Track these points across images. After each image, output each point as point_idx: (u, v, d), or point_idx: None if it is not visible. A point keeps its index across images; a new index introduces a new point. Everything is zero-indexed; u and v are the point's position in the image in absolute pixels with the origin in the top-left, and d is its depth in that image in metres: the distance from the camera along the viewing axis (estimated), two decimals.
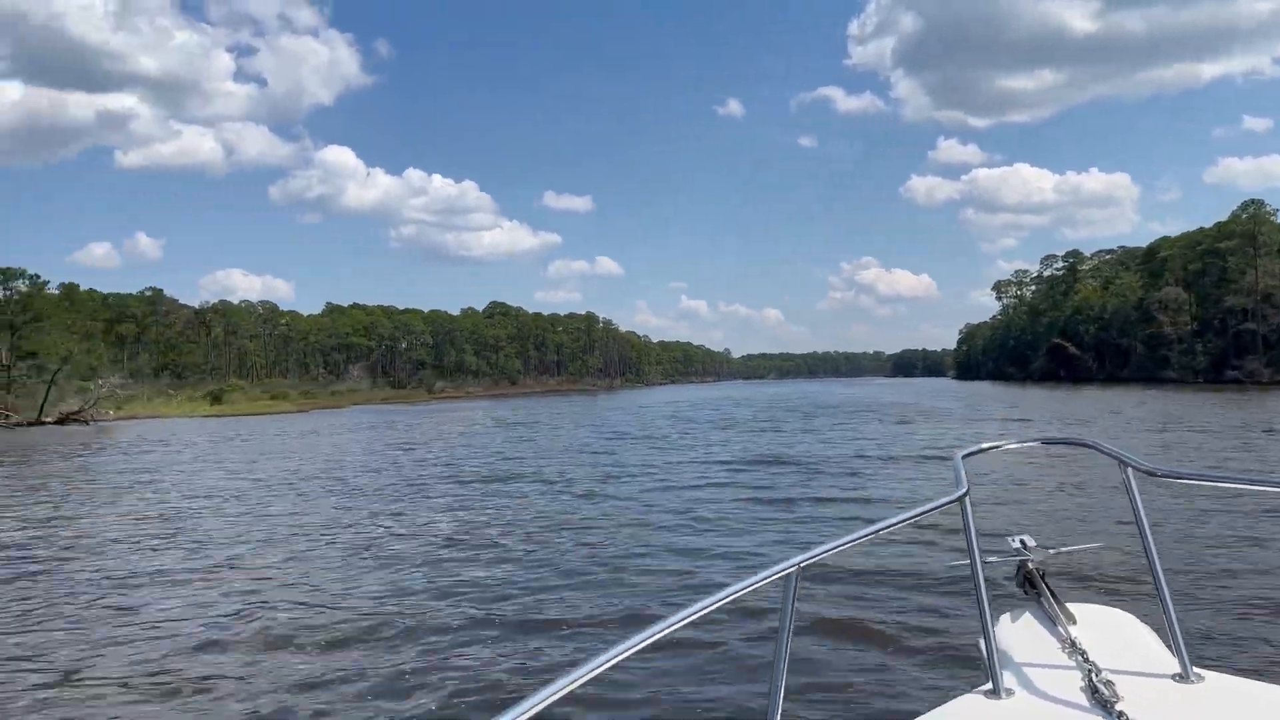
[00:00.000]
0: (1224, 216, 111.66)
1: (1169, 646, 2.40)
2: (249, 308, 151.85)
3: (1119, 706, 2.06)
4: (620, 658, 1.62)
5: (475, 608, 9.18)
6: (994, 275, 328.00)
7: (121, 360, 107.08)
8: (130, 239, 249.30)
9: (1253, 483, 2.85)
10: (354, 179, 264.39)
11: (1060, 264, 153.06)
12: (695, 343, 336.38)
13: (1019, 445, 3.26)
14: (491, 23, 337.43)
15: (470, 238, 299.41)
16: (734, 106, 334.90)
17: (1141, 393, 70.40)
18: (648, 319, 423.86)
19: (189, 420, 67.49)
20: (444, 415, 65.48)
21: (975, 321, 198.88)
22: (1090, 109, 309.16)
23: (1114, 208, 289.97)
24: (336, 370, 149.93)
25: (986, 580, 2.39)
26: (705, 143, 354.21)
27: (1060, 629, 2.60)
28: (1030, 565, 2.96)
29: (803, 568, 2.02)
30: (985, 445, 3.21)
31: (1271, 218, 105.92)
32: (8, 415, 61.21)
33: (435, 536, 13.59)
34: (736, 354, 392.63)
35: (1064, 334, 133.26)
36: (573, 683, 1.52)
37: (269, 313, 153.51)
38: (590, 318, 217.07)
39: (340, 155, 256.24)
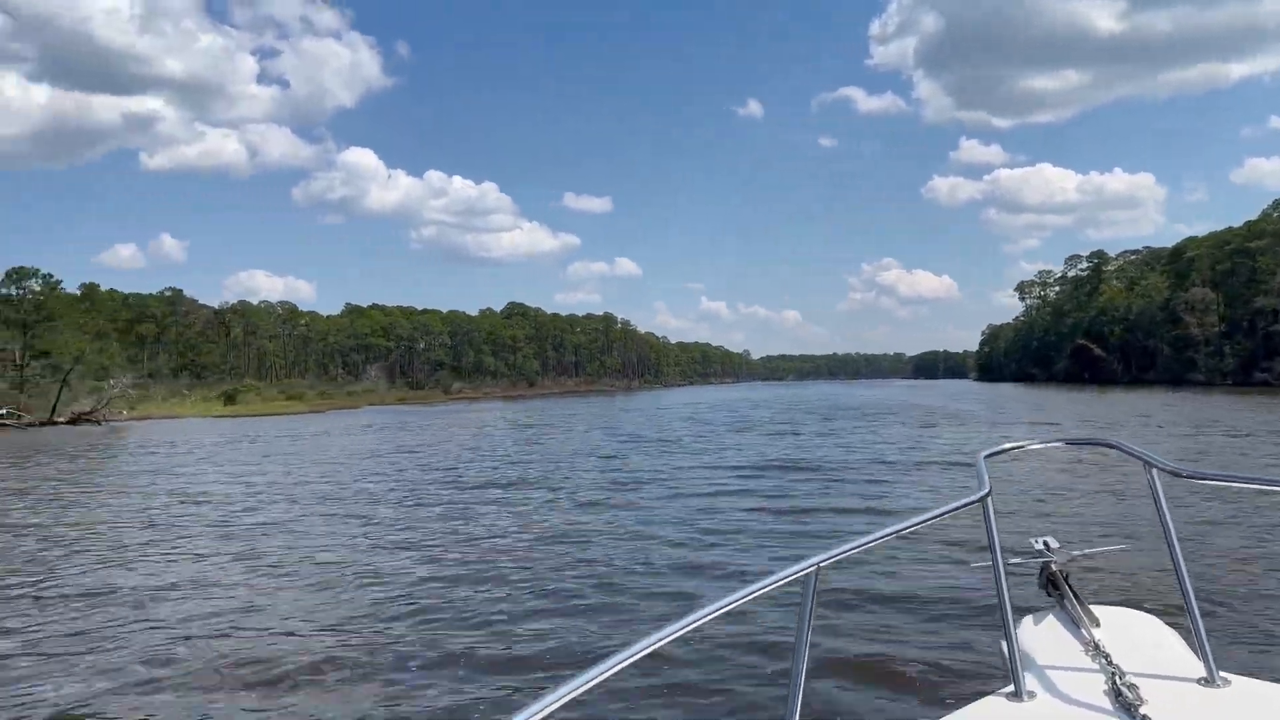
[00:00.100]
0: (1253, 216, 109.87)
1: (1194, 650, 2.39)
2: (268, 308, 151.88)
3: (1143, 710, 2.06)
4: (640, 654, 1.61)
5: (442, 636, 8.18)
6: (1016, 276, 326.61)
7: (141, 360, 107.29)
8: (155, 240, 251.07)
9: (1277, 483, 2.71)
10: (375, 180, 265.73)
11: (1085, 264, 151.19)
12: (714, 344, 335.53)
13: (1042, 446, 3.25)
14: (511, 25, 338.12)
15: (490, 239, 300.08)
16: (754, 107, 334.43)
17: (1169, 395, 68.87)
18: (667, 320, 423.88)
19: (201, 421, 67.00)
20: (457, 417, 64.65)
21: (997, 323, 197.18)
22: (1114, 109, 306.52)
23: (1138, 208, 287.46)
24: (355, 371, 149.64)
25: (1009, 582, 2.38)
26: (725, 143, 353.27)
27: (1083, 631, 2.57)
28: (1053, 567, 2.94)
29: (822, 567, 2.03)
30: (1008, 445, 3.15)
31: None
32: (20, 415, 60.82)
33: (418, 550, 12.59)
34: (756, 355, 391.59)
35: (1088, 335, 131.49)
36: (591, 680, 1.51)
37: (288, 313, 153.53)
38: (608, 318, 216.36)
39: (362, 157, 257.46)
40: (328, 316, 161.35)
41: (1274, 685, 2.24)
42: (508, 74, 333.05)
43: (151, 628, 8.84)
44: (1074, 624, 2.66)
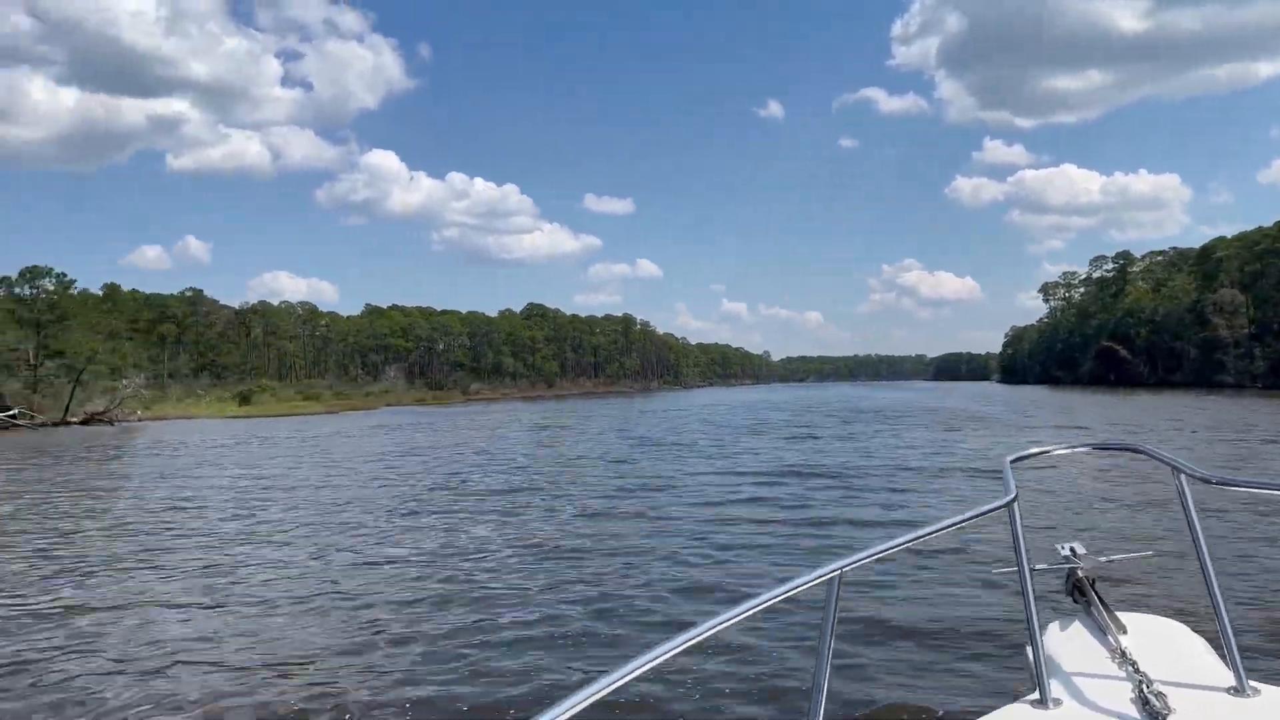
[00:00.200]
0: None
1: (1223, 659, 2.36)
2: (288, 309, 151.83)
3: (1171, 719, 2.06)
4: (662, 658, 1.61)
5: (393, 675, 7.23)
6: (1040, 278, 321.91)
7: (161, 360, 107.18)
8: (180, 242, 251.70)
9: None
10: (397, 182, 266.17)
11: (1110, 265, 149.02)
12: (734, 345, 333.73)
13: (1069, 450, 3.19)
14: (533, 27, 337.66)
15: (511, 240, 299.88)
16: (775, 108, 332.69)
17: (1199, 398, 67.18)
18: (688, 321, 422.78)
19: (215, 421, 66.42)
20: (472, 418, 63.83)
21: (1020, 325, 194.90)
22: (1139, 109, 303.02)
23: (1163, 210, 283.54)
24: (374, 372, 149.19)
25: (1035, 588, 2.37)
26: (746, 145, 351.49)
27: (1110, 638, 2.56)
28: (1080, 573, 2.93)
29: (846, 571, 2.02)
30: (1034, 450, 3.12)
31: None
32: (32, 415, 60.42)
33: (395, 566, 11.64)
34: (776, 356, 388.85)
35: (1114, 337, 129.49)
36: (612, 684, 1.51)
37: (308, 314, 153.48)
38: (628, 319, 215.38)
39: (384, 159, 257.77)
40: (347, 317, 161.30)
41: None
42: (529, 76, 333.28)
43: (89, 654, 7.95)
44: (1100, 631, 2.63)
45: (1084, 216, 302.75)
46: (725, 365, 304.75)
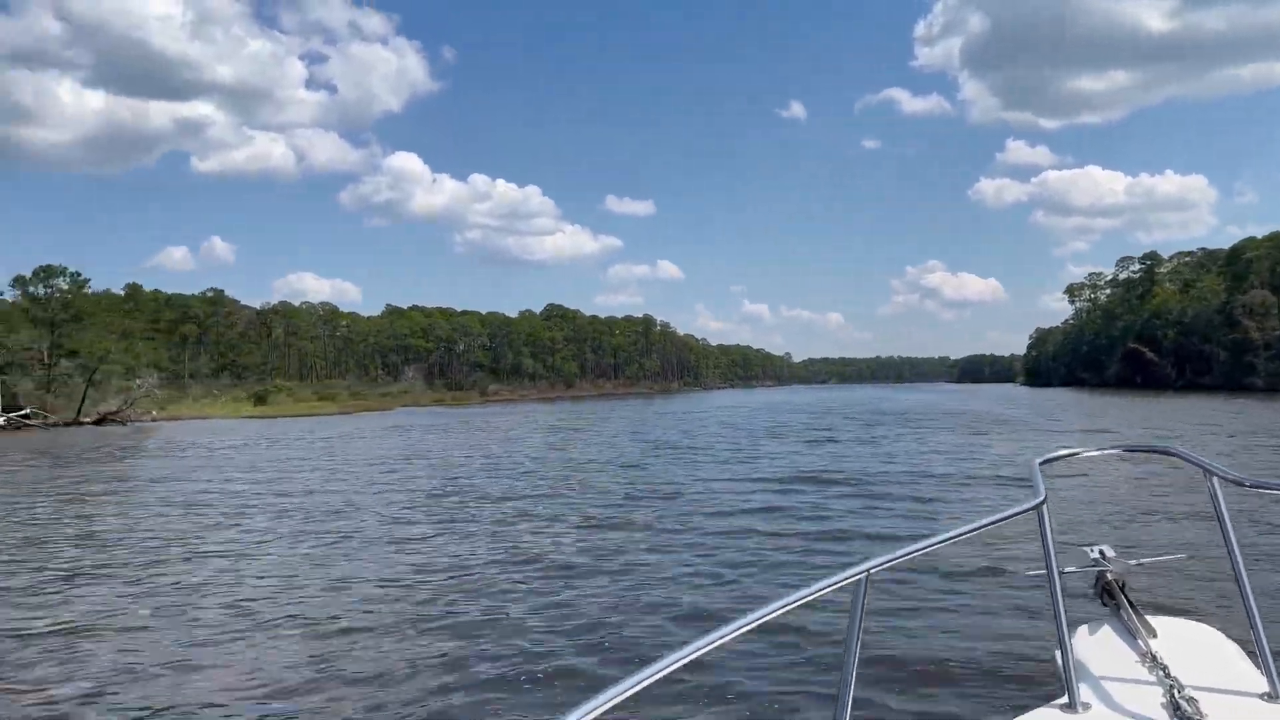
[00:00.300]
0: None
1: (1257, 664, 2.34)
2: (309, 309, 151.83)
3: None
4: (688, 659, 1.59)
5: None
6: (1064, 279, 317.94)
7: (182, 360, 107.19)
8: (206, 243, 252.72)
9: None
10: (420, 184, 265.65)
11: (1136, 266, 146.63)
12: (755, 346, 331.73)
13: (1099, 452, 3.18)
14: (555, 29, 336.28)
15: (533, 242, 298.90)
16: (796, 109, 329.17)
17: (1229, 401, 65.48)
18: (708, 323, 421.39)
19: (228, 421, 65.89)
20: (487, 419, 63.01)
21: (1045, 326, 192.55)
22: (1164, 109, 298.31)
23: (1189, 211, 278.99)
24: (394, 372, 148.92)
25: (1064, 591, 2.34)
26: (767, 146, 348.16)
27: (1140, 642, 2.53)
28: (1109, 576, 2.90)
29: (873, 573, 1.99)
30: (1064, 452, 3.09)
31: None
32: (45, 416, 60.04)
33: (372, 585, 10.67)
34: (798, 358, 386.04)
35: (1140, 339, 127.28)
36: (641, 683, 1.49)
37: (329, 314, 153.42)
38: (648, 320, 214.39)
39: (407, 161, 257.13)
40: (368, 318, 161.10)
41: None
42: (552, 78, 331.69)
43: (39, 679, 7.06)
44: (1130, 634, 2.59)
45: (1109, 218, 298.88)
46: (746, 367, 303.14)
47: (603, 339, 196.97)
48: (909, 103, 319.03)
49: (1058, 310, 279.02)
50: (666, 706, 6.13)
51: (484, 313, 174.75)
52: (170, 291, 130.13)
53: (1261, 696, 2.18)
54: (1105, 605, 2.85)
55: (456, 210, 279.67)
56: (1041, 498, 2.47)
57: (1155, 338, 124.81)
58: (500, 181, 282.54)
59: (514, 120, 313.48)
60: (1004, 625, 8.07)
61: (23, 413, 58.57)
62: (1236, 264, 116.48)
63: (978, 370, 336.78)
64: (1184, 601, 8.12)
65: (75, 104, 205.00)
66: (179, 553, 13.13)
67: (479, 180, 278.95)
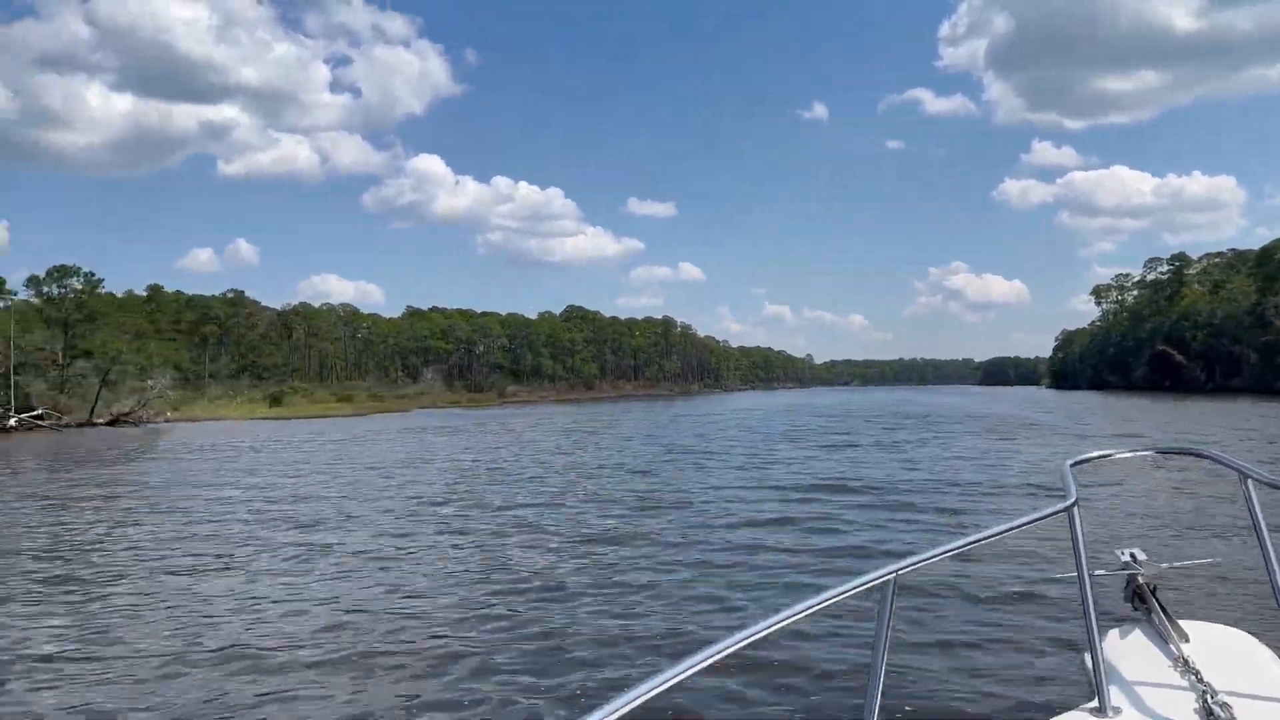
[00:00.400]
0: None
1: None
2: (329, 310, 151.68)
3: None
4: (713, 660, 1.60)
5: None
6: (1090, 281, 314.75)
7: (203, 361, 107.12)
8: (231, 245, 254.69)
9: None
10: (443, 187, 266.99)
11: (1165, 267, 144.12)
12: (776, 348, 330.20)
13: (1131, 454, 3.20)
14: (577, 32, 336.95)
15: (554, 244, 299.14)
16: (819, 110, 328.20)
17: (1261, 404, 63.65)
18: (729, 324, 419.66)
19: (243, 423, 65.17)
20: (503, 421, 62.07)
21: (1070, 328, 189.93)
22: (1193, 109, 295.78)
23: (1219, 211, 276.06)
24: (414, 373, 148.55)
25: (1094, 594, 2.34)
26: (789, 147, 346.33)
27: (1172, 647, 2.50)
28: (1140, 580, 2.86)
29: (900, 575, 1.98)
30: (1095, 454, 3.10)
31: None
32: (58, 416, 59.57)
33: (329, 604, 9.65)
34: (819, 360, 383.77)
35: (1169, 340, 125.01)
36: (668, 681, 1.50)
37: (349, 315, 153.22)
38: (667, 321, 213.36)
39: (430, 164, 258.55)
40: (388, 319, 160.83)
41: None
42: (574, 81, 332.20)
43: None
44: (1162, 639, 2.56)
45: (1136, 219, 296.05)
46: (767, 368, 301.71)
47: (622, 340, 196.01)
48: (933, 103, 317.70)
49: (1084, 312, 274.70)
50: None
51: (504, 314, 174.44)
52: (196, 293, 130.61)
53: None
54: (1136, 609, 2.77)
55: (479, 212, 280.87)
56: (1073, 500, 2.45)
57: (1184, 339, 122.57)
58: (522, 184, 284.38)
59: (536, 122, 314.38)
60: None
61: (35, 414, 58.14)
62: (1268, 265, 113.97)
63: (1002, 372, 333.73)
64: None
65: (103, 107, 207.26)
66: (127, 567, 12.17)
67: (501, 182, 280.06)
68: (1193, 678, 2.23)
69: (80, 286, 70.07)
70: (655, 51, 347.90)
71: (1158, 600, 2.74)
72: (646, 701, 1.43)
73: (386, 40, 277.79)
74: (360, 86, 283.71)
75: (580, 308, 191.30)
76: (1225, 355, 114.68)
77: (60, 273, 69.53)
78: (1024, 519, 2.36)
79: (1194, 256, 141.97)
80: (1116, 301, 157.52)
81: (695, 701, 6.16)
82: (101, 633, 8.80)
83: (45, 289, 69.64)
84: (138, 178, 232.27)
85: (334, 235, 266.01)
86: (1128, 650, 2.54)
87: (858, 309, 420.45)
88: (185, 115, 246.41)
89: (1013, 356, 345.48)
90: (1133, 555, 2.93)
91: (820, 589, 1.82)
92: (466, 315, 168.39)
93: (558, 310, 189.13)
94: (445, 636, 8.37)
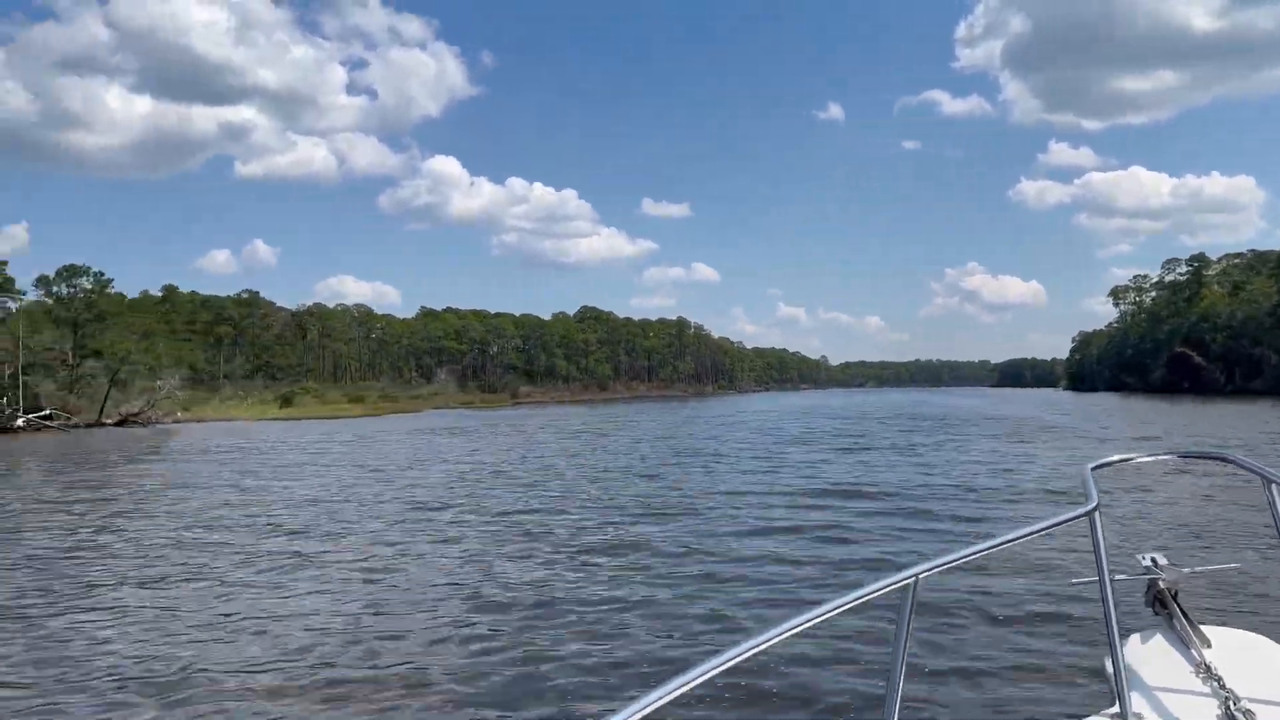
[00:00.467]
0: None
1: None
2: (343, 311, 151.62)
3: None
4: (734, 661, 1.59)
5: None
6: (1108, 282, 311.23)
7: (217, 361, 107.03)
8: (249, 246, 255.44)
9: None
10: (459, 188, 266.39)
11: (1183, 268, 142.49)
12: (791, 350, 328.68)
13: (1152, 458, 3.17)
14: (592, 34, 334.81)
15: (569, 245, 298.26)
16: (835, 111, 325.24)
17: None
18: (744, 326, 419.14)
19: (252, 424, 64.70)
20: (514, 423, 61.48)
21: (1088, 330, 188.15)
22: (1211, 109, 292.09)
23: (1238, 213, 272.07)
24: (428, 374, 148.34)
25: (1115, 599, 2.31)
26: (805, 148, 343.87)
27: (1193, 652, 2.48)
28: (1161, 584, 2.84)
29: (921, 578, 1.97)
30: (1116, 458, 3.07)
31: None
32: (67, 417, 59.30)
33: (304, 618, 9.02)
34: (835, 361, 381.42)
35: (1187, 342, 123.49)
36: (687, 683, 1.49)
37: (363, 316, 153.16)
38: (681, 322, 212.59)
39: (446, 165, 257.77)
40: (402, 320, 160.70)
41: None
42: (589, 82, 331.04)
43: None
44: (1183, 644, 2.54)
45: (1154, 220, 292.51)
46: (782, 370, 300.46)
47: (636, 341, 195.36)
48: (949, 104, 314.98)
49: (1101, 313, 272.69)
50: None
51: (518, 315, 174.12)
52: (214, 294, 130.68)
53: None
54: (1158, 614, 2.76)
55: (494, 213, 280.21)
56: (1094, 504, 2.44)
57: (1203, 341, 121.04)
58: (537, 185, 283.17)
59: (551, 124, 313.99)
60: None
61: (44, 414, 57.89)
62: None
63: (1018, 374, 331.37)
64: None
65: (123, 109, 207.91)
66: (98, 579, 11.58)
67: (516, 183, 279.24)
68: (1214, 684, 2.20)
69: (90, 286, 69.90)
70: (671, 53, 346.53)
71: (1179, 605, 2.70)
72: (663, 706, 1.42)
73: (403, 42, 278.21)
74: (377, 88, 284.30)
75: (594, 308, 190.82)
76: (1246, 357, 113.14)
77: (69, 272, 69.29)
78: (1045, 523, 2.33)
79: (1213, 258, 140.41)
80: (1134, 303, 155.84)
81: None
82: (55, 649, 8.19)
83: (55, 289, 69.49)
84: (157, 179, 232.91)
85: (350, 236, 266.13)
86: (1149, 655, 2.51)
87: (873, 310, 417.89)
88: (204, 117, 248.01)
89: (1029, 358, 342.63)
90: (1154, 560, 2.88)
91: (842, 591, 1.79)
92: (481, 316, 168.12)
93: (572, 311, 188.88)
94: (417, 660, 7.73)
